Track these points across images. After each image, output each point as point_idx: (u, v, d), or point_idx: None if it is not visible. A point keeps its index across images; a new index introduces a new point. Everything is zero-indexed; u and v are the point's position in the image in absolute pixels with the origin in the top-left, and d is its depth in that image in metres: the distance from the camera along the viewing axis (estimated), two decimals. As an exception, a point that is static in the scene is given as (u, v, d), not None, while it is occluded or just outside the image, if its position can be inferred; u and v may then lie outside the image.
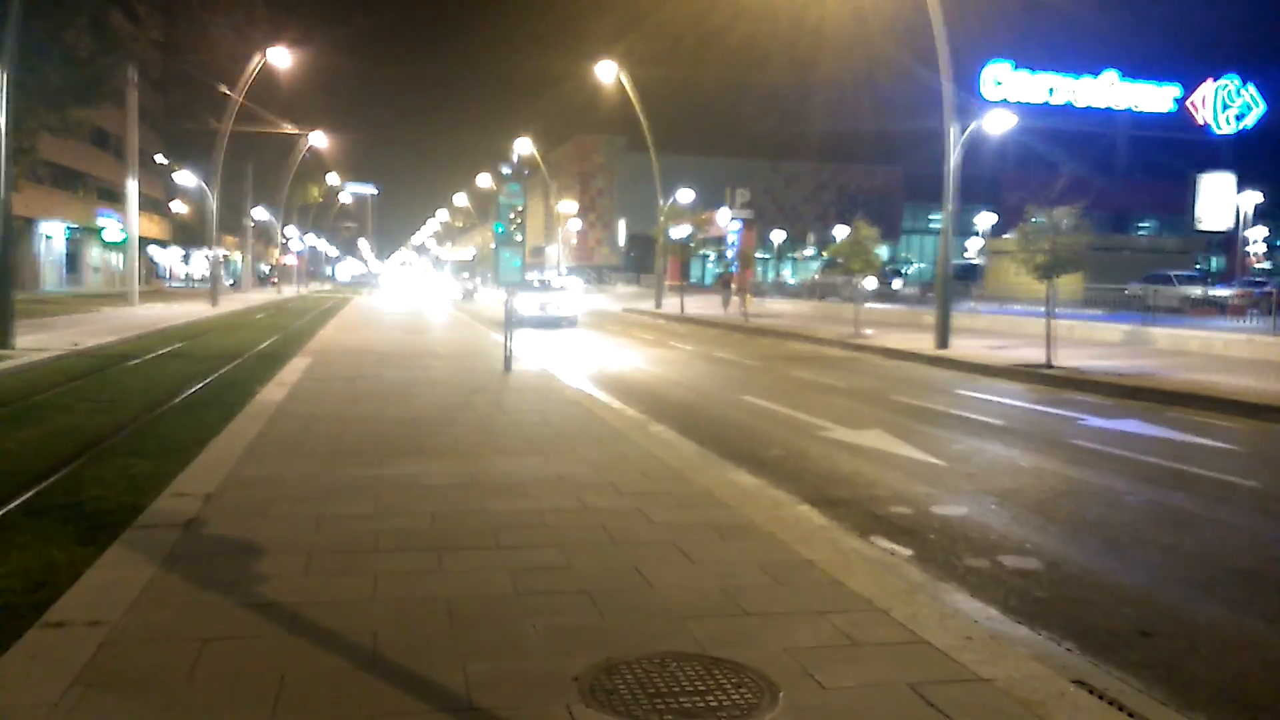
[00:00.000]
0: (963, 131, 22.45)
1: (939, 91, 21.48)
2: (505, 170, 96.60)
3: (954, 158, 21.70)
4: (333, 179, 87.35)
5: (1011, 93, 50.81)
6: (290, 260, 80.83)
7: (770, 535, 5.89)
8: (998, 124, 27.94)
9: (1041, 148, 53.97)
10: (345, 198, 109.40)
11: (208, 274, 43.56)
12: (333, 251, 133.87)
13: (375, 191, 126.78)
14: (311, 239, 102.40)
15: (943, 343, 20.98)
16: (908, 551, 6.19)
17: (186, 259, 79.89)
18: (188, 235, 71.19)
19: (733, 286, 40.13)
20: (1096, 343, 22.90)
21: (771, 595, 4.80)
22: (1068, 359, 17.26)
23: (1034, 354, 18.26)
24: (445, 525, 5.96)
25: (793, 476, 8.27)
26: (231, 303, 41.32)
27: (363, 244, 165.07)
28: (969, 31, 19.97)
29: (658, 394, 14.00)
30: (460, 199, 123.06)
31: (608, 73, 40.29)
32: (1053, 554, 6.27)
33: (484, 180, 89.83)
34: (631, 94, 39.94)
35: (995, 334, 26.08)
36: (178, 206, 69.21)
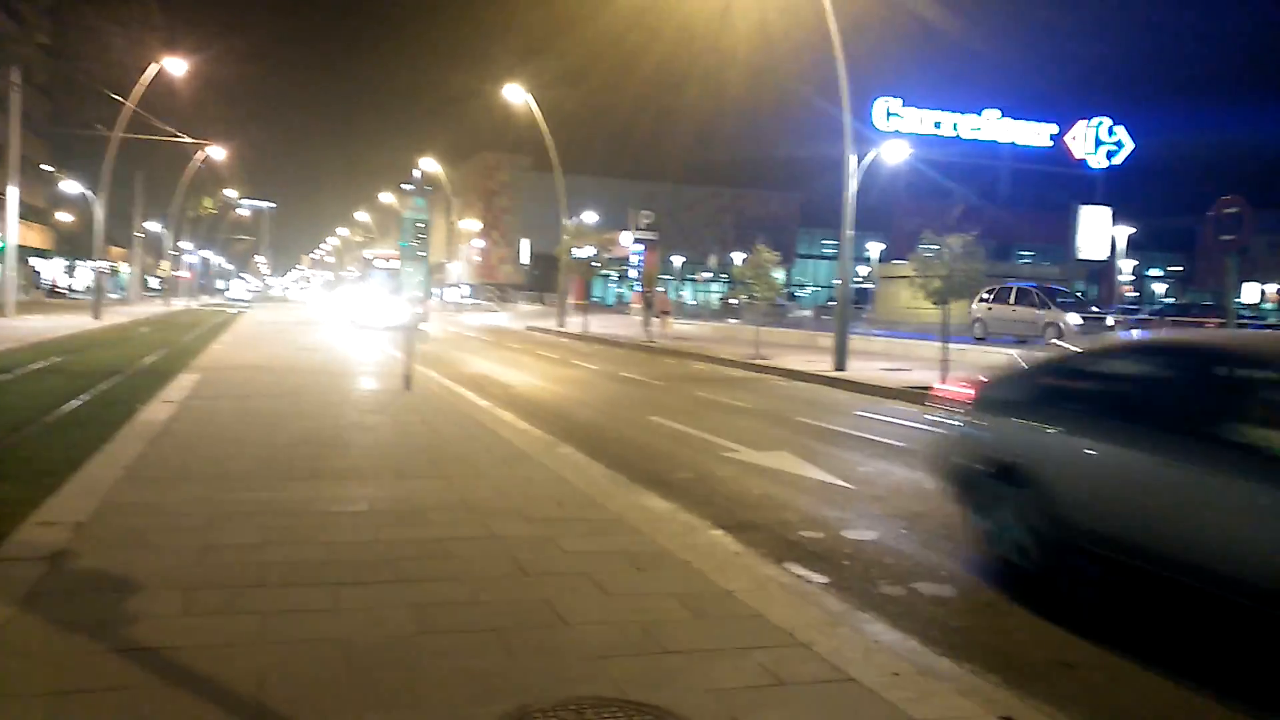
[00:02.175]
0: (860, 161, 22.91)
1: (834, 121, 21.91)
2: (407, 187, 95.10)
3: (853, 185, 22.09)
4: (229, 192, 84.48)
5: (902, 125, 52.51)
6: (182, 273, 77.66)
7: (686, 564, 5.68)
8: (894, 154, 28.65)
9: (929, 178, 55.85)
10: (241, 211, 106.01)
11: (92, 285, 41.31)
12: (227, 266, 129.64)
13: (272, 206, 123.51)
14: (205, 252, 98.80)
15: (840, 364, 21.25)
16: (823, 579, 6.06)
17: (71, 270, 76.00)
18: (74, 246, 67.74)
19: (654, 307, 39.64)
20: (987, 365, 23.43)
21: (692, 630, 4.59)
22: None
23: (928, 376, 18.59)
24: (342, 556, 5.58)
25: (704, 500, 8.10)
26: (116, 316, 39.29)
27: (259, 259, 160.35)
28: (861, 65, 20.54)
29: (564, 414, 13.72)
30: (362, 215, 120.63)
31: (514, 93, 40.02)
32: (967, 580, 6.24)
33: (386, 197, 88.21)
34: (537, 114, 39.72)
35: (888, 356, 26.61)
36: (64, 216, 65.84)
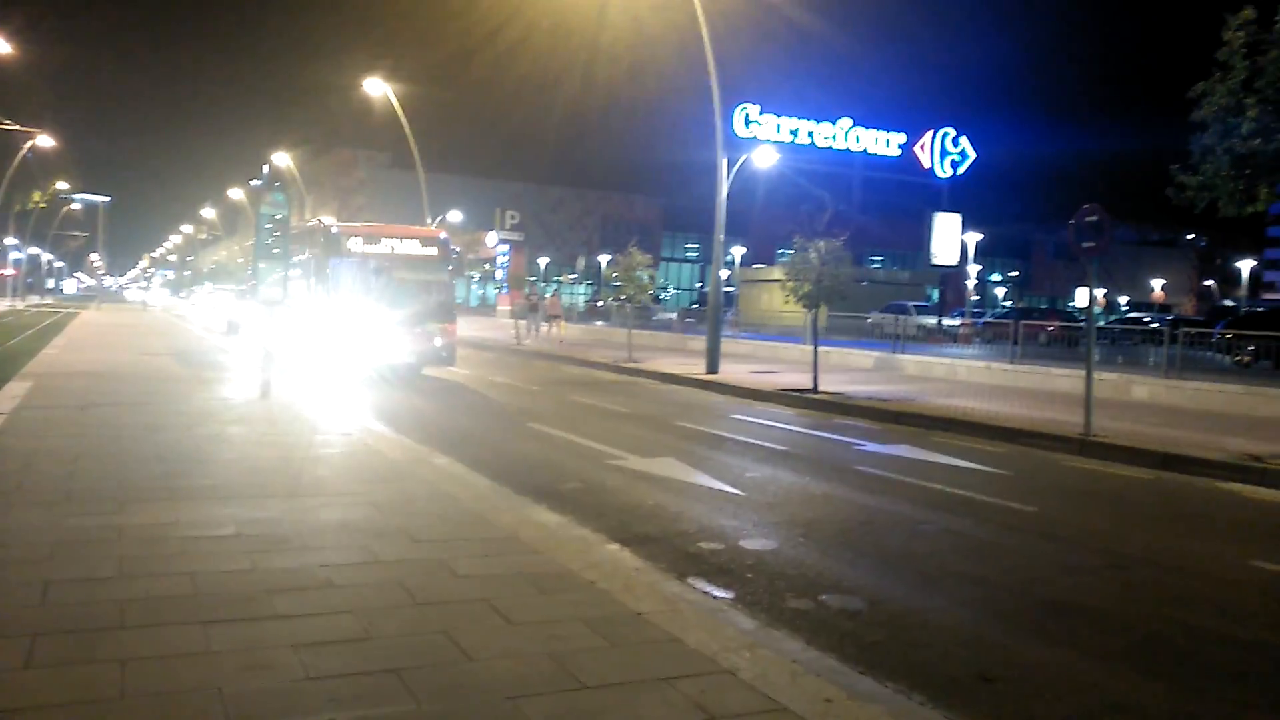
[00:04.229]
0: (730, 166, 23.09)
1: (698, 126, 22.19)
2: (256, 182, 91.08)
3: (724, 190, 22.22)
4: (61, 185, 78.91)
5: (760, 132, 53.55)
6: (6, 270, 72.05)
7: (590, 585, 5.38)
8: (763, 160, 29.06)
9: (788, 184, 57.17)
10: (74, 205, 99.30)
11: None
12: (59, 264, 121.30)
13: (108, 200, 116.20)
14: (34, 249, 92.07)
15: (713, 368, 21.32)
16: (730, 594, 5.86)
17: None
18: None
19: (541, 311, 37.24)
20: (851, 368, 24.08)
21: (607, 660, 4.28)
22: (830, 384, 17.90)
23: (798, 379, 18.87)
24: (210, 589, 5.02)
25: (596, 512, 7.80)
26: (-75, 317, 36.02)
27: (95, 257, 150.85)
28: (721, 73, 20.64)
29: (438, 423, 13.17)
30: (208, 211, 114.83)
31: (374, 86, 38.72)
32: (871, 591, 6.15)
33: (235, 192, 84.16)
34: (397, 108, 38.52)
35: (755, 359, 26.95)
36: None
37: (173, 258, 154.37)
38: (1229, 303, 73.13)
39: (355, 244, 17.70)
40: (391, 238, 18.29)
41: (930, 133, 60.51)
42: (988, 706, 4.37)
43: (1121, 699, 4.63)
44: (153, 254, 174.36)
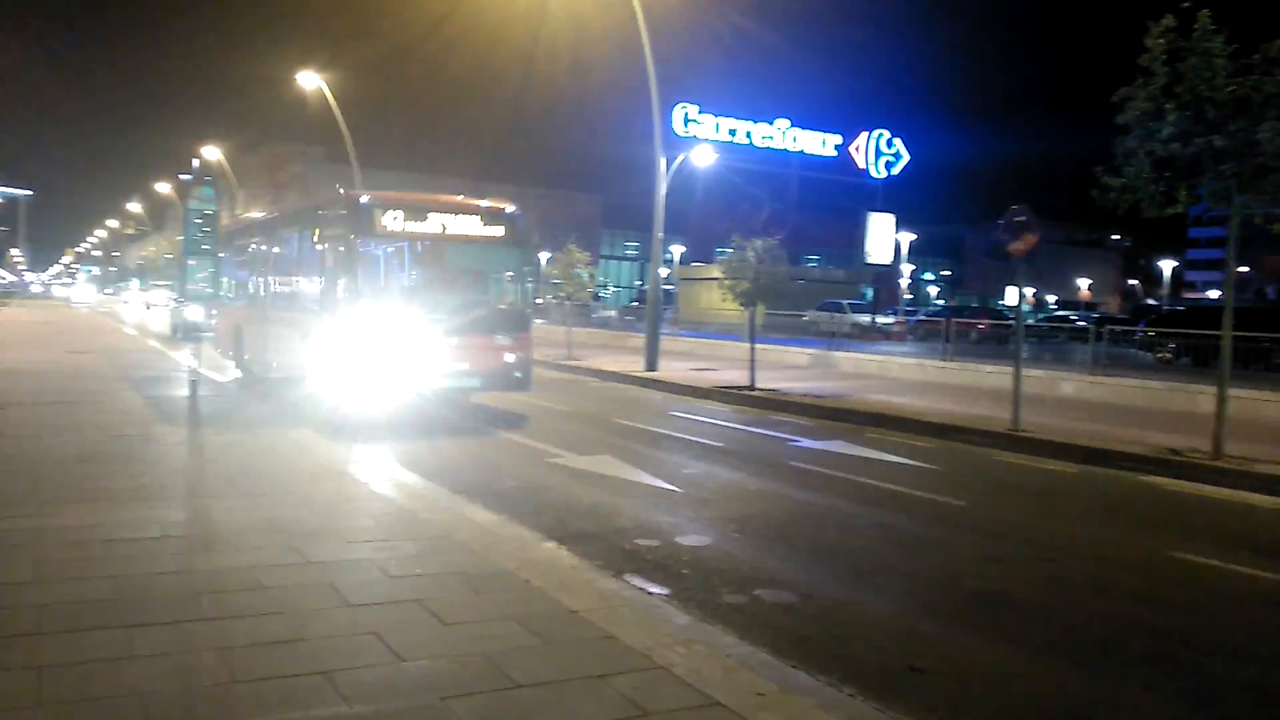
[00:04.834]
0: (669, 164, 23.16)
1: (637, 125, 22.22)
2: (185, 177, 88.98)
3: (662, 188, 22.28)
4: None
5: (700, 131, 53.86)
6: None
7: (525, 583, 5.36)
8: (702, 158, 29.22)
9: (726, 183, 57.57)
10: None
11: None
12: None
13: (29, 194, 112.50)
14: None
15: (652, 365, 21.39)
16: (666, 590, 5.88)
17: None
18: None
19: None
20: (788, 365, 24.31)
21: (541, 659, 4.27)
22: (767, 381, 18.06)
23: (736, 376, 19.00)
24: (133, 593, 4.90)
25: (533, 510, 7.77)
26: None
27: (15, 252, 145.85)
28: (660, 72, 20.73)
29: (370, 420, 12.98)
30: (135, 206, 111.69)
31: (308, 80, 38.05)
32: (805, 585, 6.22)
33: (163, 187, 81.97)
34: (332, 103, 37.92)
35: (694, 356, 27.05)
36: None
37: (98, 253, 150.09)
38: (1152, 301, 75.51)
39: (392, 220, 12.30)
40: (444, 212, 12.83)
41: (865, 134, 61.43)
42: (917, 697, 4.45)
43: (1047, 687, 4.75)
44: (76, 249, 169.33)
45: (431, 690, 3.86)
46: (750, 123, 58.40)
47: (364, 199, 12.37)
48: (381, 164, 69.53)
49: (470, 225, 13.12)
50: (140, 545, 5.77)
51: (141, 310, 51.60)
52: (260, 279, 16.71)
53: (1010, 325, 27.50)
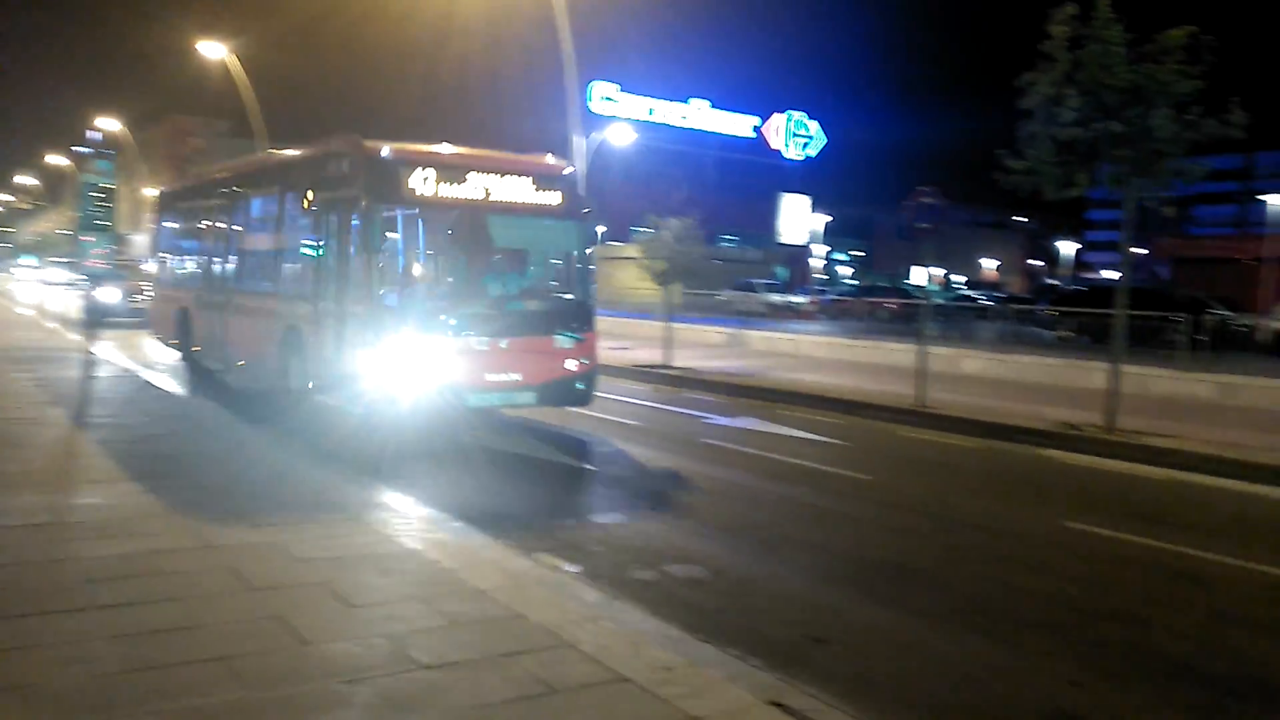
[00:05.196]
0: (587, 143, 23.07)
1: (554, 102, 21.94)
2: (82, 149, 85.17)
3: (581, 167, 22.17)
4: None
5: (618, 110, 53.73)
6: None
7: (434, 564, 5.30)
8: (620, 138, 29.12)
9: (644, 163, 57.59)
10: None
11: None
12: None
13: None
14: None
15: (569, 344, 21.31)
16: (577, 568, 5.89)
17: None
18: None
19: None
20: (703, 344, 24.49)
21: (448, 639, 4.23)
22: (682, 359, 18.18)
23: (651, 355, 19.08)
24: (24, 581, 4.71)
25: (443, 490, 7.68)
26: None
27: None
28: (579, 49, 20.58)
29: (280, 402, 12.65)
30: (24, 178, 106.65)
31: (213, 50, 36.73)
32: (714, 560, 6.29)
33: (56, 159, 78.41)
34: (238, 74, 36.71)
35: (611, 335, 26.92)
36: None
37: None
38: (1052, 281, 78.09)
39: (422, 182, 9.29)
40: (487, 171, 9.81)
41: (779, 115, 61.99)
42: (820, 666, 4.55)
43: (945, 653, 4.90)
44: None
45: (334, 673, 3.80)
46: (668, 102, 58.50)
47: (385, 151, 9.42)
48: (291, 137, 67.75)
49: (521, 189, 9.99)
50: (29, 532, 5.54)
51: (39, 289, 49.16)
52: (217, 253, 13.73)
53: (918, 304, 28.25)
